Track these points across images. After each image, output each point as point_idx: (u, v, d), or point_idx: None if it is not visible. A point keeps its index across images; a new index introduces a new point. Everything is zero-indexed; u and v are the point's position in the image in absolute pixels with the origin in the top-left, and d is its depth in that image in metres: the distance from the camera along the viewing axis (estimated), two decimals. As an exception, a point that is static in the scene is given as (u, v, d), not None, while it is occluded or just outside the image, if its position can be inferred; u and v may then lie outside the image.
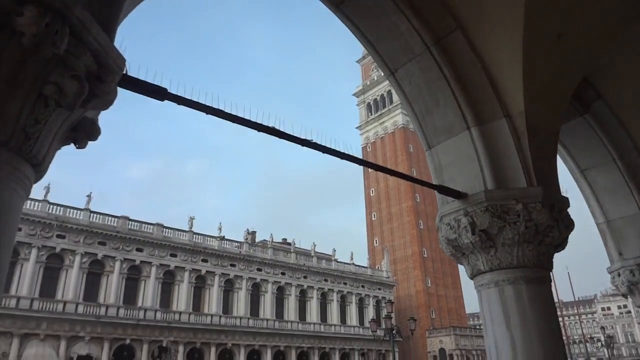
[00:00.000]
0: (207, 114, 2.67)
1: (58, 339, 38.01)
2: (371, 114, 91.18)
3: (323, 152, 3.14)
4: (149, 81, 2.44)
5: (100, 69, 2.05)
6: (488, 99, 4.07)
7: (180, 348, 43.94)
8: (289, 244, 61.21)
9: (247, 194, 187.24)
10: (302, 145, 3.06)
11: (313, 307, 57.21)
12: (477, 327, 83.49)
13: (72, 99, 1.91)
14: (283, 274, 55.63)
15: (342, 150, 3.19)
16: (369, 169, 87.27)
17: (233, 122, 2.74)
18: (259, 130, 2.84)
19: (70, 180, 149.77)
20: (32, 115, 1.85)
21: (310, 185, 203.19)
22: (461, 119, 4.05)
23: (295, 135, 3.01)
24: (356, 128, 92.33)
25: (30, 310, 37.22)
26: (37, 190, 59.92)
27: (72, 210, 42.79)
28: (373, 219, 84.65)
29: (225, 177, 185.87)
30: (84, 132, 2.18)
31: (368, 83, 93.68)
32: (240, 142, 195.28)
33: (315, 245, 60.91)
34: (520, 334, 3.55)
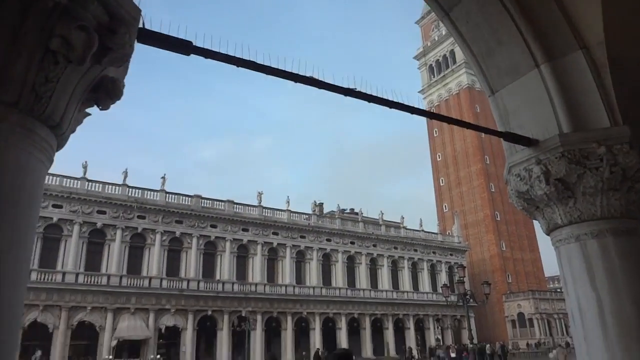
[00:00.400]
0: (237, 66, 2.47)
1: (147, 312, 40.84)
2: (434, 77, 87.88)
3: (369, 102, 2.85)
4: (173, 35, 2.27)
5: (112, 21, 1.89)
6: (559, 30, 3.53)
7: (258, 317, 45.81)
8: (357, 213, 61.30)
9: (313, 168, 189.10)
10: (345, 95, 2.79)
11: (384, 274, 57.30)
12: (558, 290, 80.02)
13: (80, 52, 1.77)
14: (352, 243, 55.96)
15: (390, 99, 2.89)
16: (434, 134, 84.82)
17: (267, 73, 2.52)
18: (295, 81, 2.61)
19: (148, 165, 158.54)
20: (42, 72, 1.73)
21: (375, 156, 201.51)
22: (528, 57, 3.56)
23: (336, 84, 2.74)
24: (419, 92, 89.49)
25: (120, 286, 40.18)
26: (116, 176, 63.64)
27: (149, 192, 45.21)
28: (441, 184, 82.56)
29: (291, 152, 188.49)
30: (104, 92, 2.05)
31: (429, 44, 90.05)
32: (304, 118, 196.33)
33: (382, 214, 60.60)
34: (608, 294, 3.13)
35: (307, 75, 2.65)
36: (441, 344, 53.19)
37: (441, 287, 41.43)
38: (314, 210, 56.24)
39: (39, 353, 34.93)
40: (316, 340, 48.59)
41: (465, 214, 75.70)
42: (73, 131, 2.20)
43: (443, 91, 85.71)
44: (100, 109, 2.13)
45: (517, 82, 3.63)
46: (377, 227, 59.16)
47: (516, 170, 3.55)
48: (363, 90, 2.82)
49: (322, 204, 64.54)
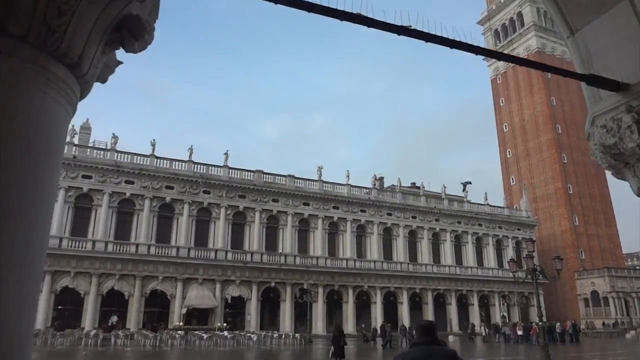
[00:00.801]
0: (275, 3, 2.21)
1: (213, 282, 42.62)
2: (499, 42, 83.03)
3: (426, 41, 2.51)
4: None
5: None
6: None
7: (320, 290, 46.54)
8: (418, 187, 60.09)
9: (373, 142, 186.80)
10: (399, 34, 2.46)
11: (447, 249, 56.11)
12: (637, 267, 75.16)
13: (95, -20, 1.58)
14: (414, 217, 55.09)
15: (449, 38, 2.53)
16: (500, 104, 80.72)
17: (306, 10, 2.24)
18: (341, 19, 2.32)
19: (212, 142, 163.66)
20: (53, 3, 1.56)
21: (438, 128, 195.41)
22: (617, -14, 3.03)
23: (388, 22, 2.42)
24: (483, 60, 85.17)
25: (188, 257, 42.10)
26: (182, 152, 65.91)
27: (213, 167, 46.62)
28: (508, 156, 78.85)
29: (352, 127, 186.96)
30: (128, 31, 1.87)
31: (494, 7, 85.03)
32: (365, 93, 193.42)
33: (445, 188, 58.95)
34: None
35: (354, 12, 2.35)
36: (507, 321, 51.64)
37: (508, 262, 39.98)
38: (375, 184, 55.74)
39: (114, 318, 37.67)
40: (377, 313, 48.77)
41: (534, 187, 72.10)
42: (101, 78, 2.05)
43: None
44: (127, 51, 1.96)
45: (602, 18, 3.11)
46: (440, 201, 57.77)
47: (601, 120, 3.07)
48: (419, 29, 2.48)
49: (383, 177, 63.85)
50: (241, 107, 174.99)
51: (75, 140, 43.23)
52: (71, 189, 40.10)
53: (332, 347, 19.66)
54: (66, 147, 41.09)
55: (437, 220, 56.33)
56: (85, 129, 52.01)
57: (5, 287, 1.38)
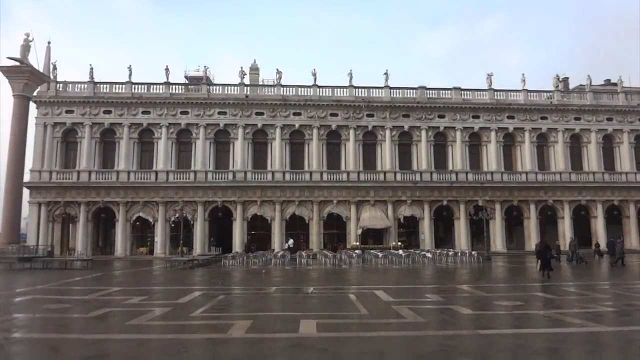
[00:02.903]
0: None
1: (385, 203, 43.31)
2: None
3: None
4: None
5: None
6: None
7: (497, 206, 43.89)
8: (615, 84, 50.72)
9: (554, 44, 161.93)
10: None
11: (655, 153, 47.19)
12: None
13: None
14: (609, 119, 47.15)
15: None
16: None
17: None
18: None
19: (373, 63, 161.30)
20: None
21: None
22: None
23: None
24: None
25: (358, 181, 43.27)
26: (343, 78, 65.88)
27: (374, 89, 45.92)
28: None
29: (527, 30, 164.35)
30: None
31: None
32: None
33: (652, 79, 48.58)
34: None
35: None
36: None
37: None
38: (557, 86, 48.68)
39: (290, 241, 41.26)
40: (565, 229, 44.33)
41: None
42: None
43: None
44: None
45: None
46: (645, 96, 48.07)
47: None
48: None
49: (568, 78, 55.42)
50: (400, 25, 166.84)
51: (246, 81, 46.44)
52: (248, 126, 43.73)
53: (538, 261, 21.25)
54: (237, 88, 44.30)
55: (640, 120, 47.36)
56: (254, 69, 55.60)
57: None
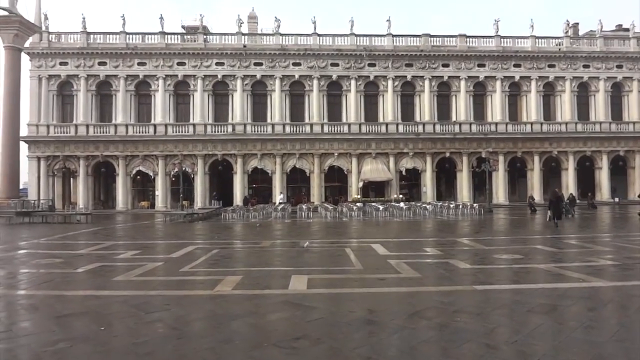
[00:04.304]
0: None
1: (386, 155, 42.76)
2: None
3: None
4: None
5: None
6: None
7: (500, 158, 43.29)
8: (627, 29, 48.74)
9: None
10: None
11: (665, 102, 45.97)
12: None
13: None
14: (619, 67, 45.67)
15: None
16: None
17: None
18: None
19: (374, 11, 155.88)
20: None
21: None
22: None
23: None
24: None
25: (360, 133, 42.54)
26: (345, 25, 64.23)
27: (376, 37, 44.31)
28: None
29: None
30: None
31: None
32: None
33: (666, 24, 46.57)
34: None
35: None
36: None
37: None
38: (566, 32, 46.79)
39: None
40: (569, 181, 43.92)
41: None
42: None
43: None
44: None
45: None
46: (658, 42, 46.27)
47: None
48: None
49: (578, 24, 53.25)
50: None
51: (244, 30, 44.85)
52: (246, 77, 42.58)
53: (549, 211, 22.74)
54: (234, 37, 42.72)
55: (653, 67, 45.79)
56: (252, 18, 53.66)
57: None
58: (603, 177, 44.50)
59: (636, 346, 5.08)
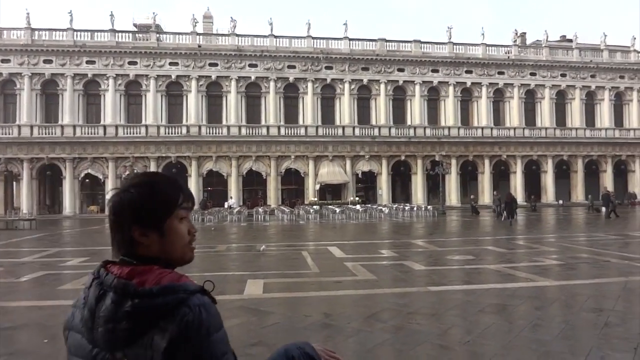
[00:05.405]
0: None
1: (343, 158, 43.10)
2: None
3: None
4: None
5: None
6: None
7: (453, 161, 44.53)
8: (570, 40, 51.36)
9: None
10: None
11: (604, 110, 48.76)
12: None
13: None
14: (563, 75, 48.02)
15: None
16: None
17: None
18: None
19: (330, 15, 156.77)
20: None
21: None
22: None
23: None
24: None
25: (317, 136, 42.65)
26: (302, 27, 63.99)
27: (333, 41, 44.61)
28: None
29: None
30: None
31: None
32: None
33: (606, 36, 49.40)
34: None
35: None
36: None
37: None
38: (515, 41, 48.79)
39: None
40: (517, 183, 45.72)
41: None
42: None
43: None
44: None
45: None
46: (598, 53, 49.02)
47: None
48: None
49: (525, 33, 55.65)
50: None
51: (199, 29, 44.08)
52: (201, 78, 41.84)
53: (504, 212, 25.85)
54: (189, 37, 41.91)
55: (592, 76, 48.45)
56: (208, 17, 52.81)
57: None
58: (548, 180, 46.62)
59: (580, 343, 5.30)
